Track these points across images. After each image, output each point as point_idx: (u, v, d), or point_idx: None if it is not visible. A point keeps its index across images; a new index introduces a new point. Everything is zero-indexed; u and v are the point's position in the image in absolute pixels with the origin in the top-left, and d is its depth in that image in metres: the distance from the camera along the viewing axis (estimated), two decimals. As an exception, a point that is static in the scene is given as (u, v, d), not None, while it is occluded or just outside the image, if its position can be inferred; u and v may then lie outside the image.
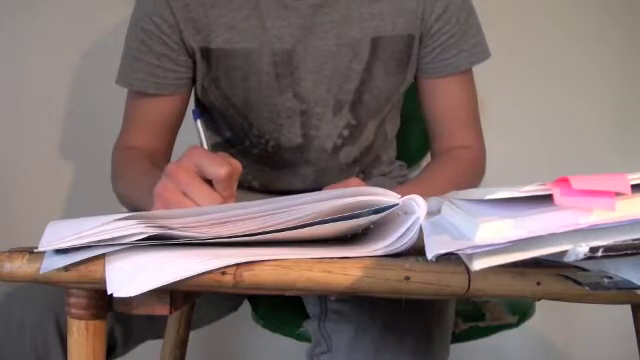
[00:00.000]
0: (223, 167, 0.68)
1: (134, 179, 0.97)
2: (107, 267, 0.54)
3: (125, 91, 1.08)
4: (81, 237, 0.54)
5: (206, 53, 1.02)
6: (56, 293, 0.62)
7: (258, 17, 1.01)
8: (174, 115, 1.07)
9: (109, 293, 0.52)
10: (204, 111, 1.13)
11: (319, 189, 0.75)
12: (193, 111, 0.90)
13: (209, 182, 0.69)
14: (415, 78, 1.10)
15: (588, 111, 1.58)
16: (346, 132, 1.08)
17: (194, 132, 1.07)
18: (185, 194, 0.68)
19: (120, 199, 1.02)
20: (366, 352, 0.80)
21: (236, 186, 0.71)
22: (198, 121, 0.85)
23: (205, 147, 0.84)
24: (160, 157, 1.06)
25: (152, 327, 1.03)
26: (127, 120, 1.09)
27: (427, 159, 1.31)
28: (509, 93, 1.55)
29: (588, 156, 1.56)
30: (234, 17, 1.01)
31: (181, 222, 0.57)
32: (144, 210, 0.72)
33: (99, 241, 0.54)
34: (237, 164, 0.71)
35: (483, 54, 1.08)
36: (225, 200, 0.69)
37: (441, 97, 1.08)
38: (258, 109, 1.05)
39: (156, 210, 0.69)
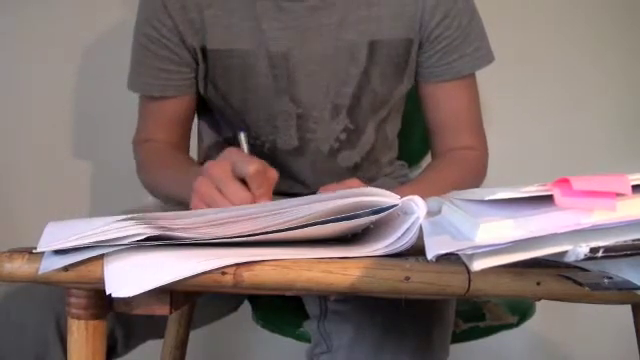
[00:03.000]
0: (252, 165, 0.72)
1: (166, 171, 1.01)
2: (106, 267, 0.54)
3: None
4: (80, 238, 0.54)
5: (204, 53, 1.03)
6: (56, 293, 0.62)
7: (254, 18, 1.01)
8: (184, 113, 1.09)
9: (108, 293, 0.52)
10: (207, 111, 1.13)
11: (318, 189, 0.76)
12: (240, 128, 0.94)
13: (244, 183, 0.73)
14: (417, 82, 1.10)
15: (590, 112, 1.58)
16: (343, 136, 1.07)
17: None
18: (219, 191, 0.73)
19: (149, 189, 1.06)
20: (366, 352, 0.80)
21: (271, 191, 0.75)
22: (242, 134, 0.88)
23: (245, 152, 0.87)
24: (179, 149, 1.09)
25: (152, 327, 1.03)
26: (141, 118, 1.12)
27: (427, 158, 1.31)
28: (511, 94, 1.55)
29: (590, 157, 1.56)
30: (230, 18, 1.01)
31: (180, 223, 0.57)
32: (177, 199, 0.84)
33: (98, 242, 0.54)
34: (273, 172, 0.76)
35: (486, 58, 1.07)
36: (257, 199, 0.73)
37: (443, 102, 1.08)
38: (255, 110, 1.05)
39: (194, 204, 0.75)
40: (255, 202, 0.72)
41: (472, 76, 1.09)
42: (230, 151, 0.77)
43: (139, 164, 1.09)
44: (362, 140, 1.10)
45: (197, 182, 0.75)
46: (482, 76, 1.11)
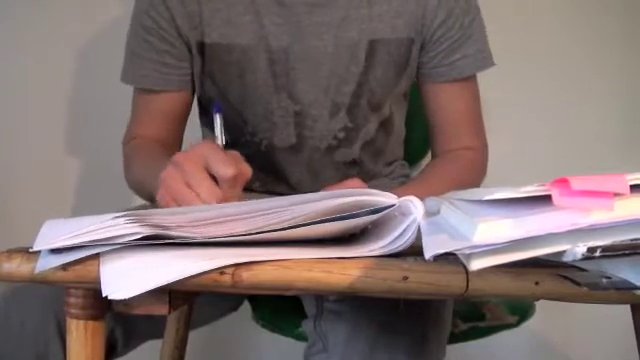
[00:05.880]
0: (230, 168, 0.69)
1: (144, 165, 0.98)
2: (102, 268, 0.53)
3: (124, 89, 1.09)
4: (76, 237, 0.53)
5: (201, 47, 1.02)
6: (57, 293, 0.62)
7: (254, 13, 1.00)
8: (181, 108, 1.08)
9: (104, 295, 0.52)
10: (203, 110, 1.13)
11: (315, 190, 0.75)
12: (214, 105, 0.90)
13: (215, 178, 0.70)
14: (418, 82, 1.09)
15: (590, 111, 1.58)
16: (342, 134, 1.07)
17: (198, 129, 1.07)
18: (189, 185, 0.69)
19: (132, 187, 1.03)
20: (361, 351, 0.80)
21: (241, 189, 0.72)
22: (217, 115, 0.84)
23: (220, 142, 0.84)
24: (169, 146, 1.07)
25: (152, 327, 1.02)
26: (134, 113, 1.10)
27: (428, 158, 1.31)
28: (511, 93, 1.55)
29: (589, 156, 1.56)
30: (230, 12, 1.01)
31: (176, 220, 0.57)
32: (148, 191, 0.75)
33: (94, 241, 0.53)
34: (247, 169, 0.72)
35: (487, 61, 1.07)
36: (227, 200, 0.69)
37: (444, 102, 1.08)
38: (253, 106, 1.05)
39: (160, 196, 0.71)
40: (225, 202, 0.69)
41: (474, 77, 1.09)
42: (204, 144, 0.73)
43: (124, 163, 1.07)
44: (360, 138, 1.09)
45: (165, 173, 0.71)
46: (483, 75, 1.10)
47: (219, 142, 0.85)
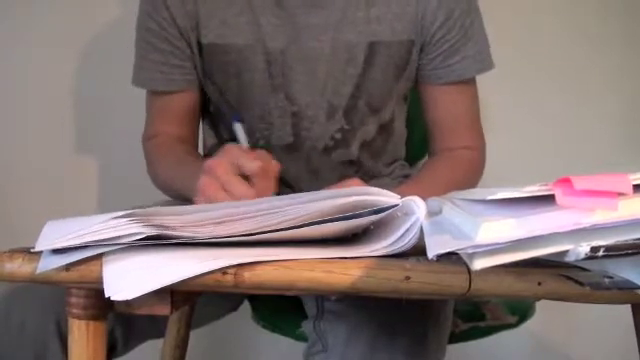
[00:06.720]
0: (256, 162, 0.75)
1: (169, 165, 1.02)
2: (105, 269, 0.53)
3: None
4: (78, 237, 0.53)
5: (200, 47, 1.03)
6: (57, 293, 0.62)
7: (251, 13, 1.01)
8: (191, 108, 1.09)
9: (107, 296, 0.52)
10: (207, 112, 1.13)
11: (315, 189, 0.76)
12: (233, 116, 0.94)
13: (246, 178, 0.76)
14: (417, 83, 1.09)
15: (592, 111, 1.58)
16: (339, 135, 1.07)
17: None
18: (224, 189, 0.74)
19: (158, 185, 1.06)
20: (361, 351, 0.80)
21: (274, 183, 0.79)
22: (238, 125, 0.88)
23: (244, 146, 0.87)
24: (187, 143, 1.09)
25: (153, 326, 1.02)
26: (148, 114, 1.12)
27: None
28: (513, 92, 1.55)
29: (592, 156, 1.56)
30: (226, 12, 1.01)
31: (179, 220, 0.57)
32: (179, 193, 0.85)
33: (96, 241, 0.53)
34: (276, 164, 0.79)
35: (487, 63, 1.07)
36: (261, 194, 0.74)
37: (443, 104, 1.08)
38: (250, 106, 1.05)
39: (198, 202, 0.76)
40: (261, 197, 0.72)
41: (473, 78, 1.08)
42: (230, 148, 0.78)
43: (147, 161, 1.09)
44: (357, 139, 1.09)
45: (201, 182, 0.76)
46: (483, 74, 1.10)
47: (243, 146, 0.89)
